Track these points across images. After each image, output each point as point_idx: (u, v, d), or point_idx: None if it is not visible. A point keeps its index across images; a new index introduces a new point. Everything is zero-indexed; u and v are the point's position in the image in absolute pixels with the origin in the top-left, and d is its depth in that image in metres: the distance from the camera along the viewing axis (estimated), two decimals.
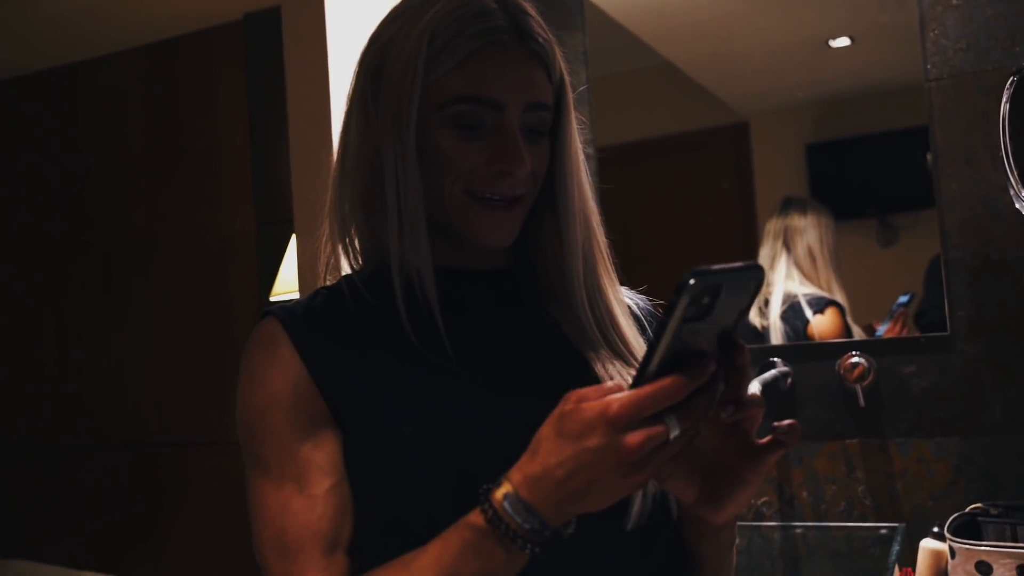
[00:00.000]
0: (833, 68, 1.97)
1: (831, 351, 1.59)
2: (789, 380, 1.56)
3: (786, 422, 0.64)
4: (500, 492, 0.60)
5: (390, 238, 0.76)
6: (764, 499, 1.58)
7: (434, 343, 0.76)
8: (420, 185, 0.76)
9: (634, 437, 0.56)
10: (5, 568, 2.40)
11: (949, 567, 1.34)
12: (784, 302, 1.74)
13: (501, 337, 0.80)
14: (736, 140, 2.13)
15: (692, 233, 1.99)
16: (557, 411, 0.60)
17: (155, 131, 2.53)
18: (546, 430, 0.60)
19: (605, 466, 0.57)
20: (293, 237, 1.93)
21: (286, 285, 2.02)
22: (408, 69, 0.75)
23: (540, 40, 0.77)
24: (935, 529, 1.40)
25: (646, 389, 0.56)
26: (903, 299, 1.69)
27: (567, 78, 0.82)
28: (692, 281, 0.53)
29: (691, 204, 2.02)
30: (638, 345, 0.82)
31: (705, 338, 0.58)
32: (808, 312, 1.72)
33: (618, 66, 2.04)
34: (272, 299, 2.05)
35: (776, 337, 1.76)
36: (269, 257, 2.26)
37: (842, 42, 1.90)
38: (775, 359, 1.61)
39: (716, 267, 0.54)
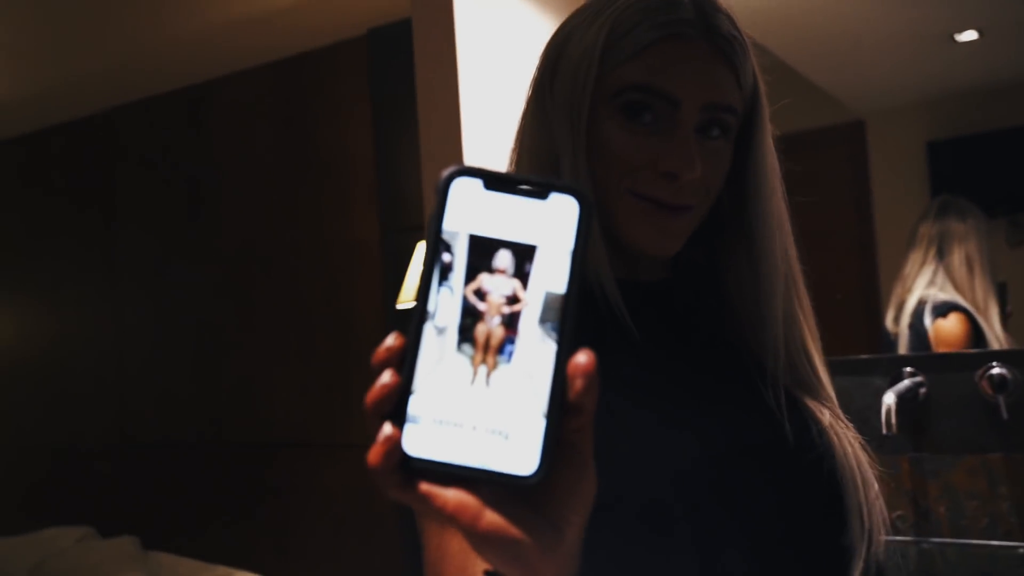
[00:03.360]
0: (959, 63, 1.86)
1: (969, 361, 1.48)
2: (923, 390, 1.47)
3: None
4: None
5: None
6: (898, 512, 1.49)
7: (624, 358, 0.69)
8: (590, 182, 0.70)
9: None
10: (147, 559, 2.50)
11: None
12: (916, 308, 1.65)
13: (687, 355, 0.74)
14: (851, 139, 2.03)
15: (806, 237, 1.91)
16: None
17: (282, 143, 2.58)
18: None
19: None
20: (420, 244, 1.94)
21: (411, 292, 2.03)
22: (584, 57, 0.70)
23: (729, 37, 0.70)
24: None
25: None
26: None
27: (762, 85, 0.74)
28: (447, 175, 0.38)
29: (804, 207, 1.94)
30: (828, 382, 0.76)
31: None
32: (928, 318, 1.63)
33: None
34: (398, 306, 2.07)
35: (903, 346, 1.67)
36: (393, 264, 2.28)
37: (969, 36, 1.79)
38: (908, 368, 1.52)
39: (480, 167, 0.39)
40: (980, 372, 1.43)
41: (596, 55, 0.69)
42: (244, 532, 2.56)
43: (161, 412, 2.79)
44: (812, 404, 0.73)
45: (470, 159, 1.50)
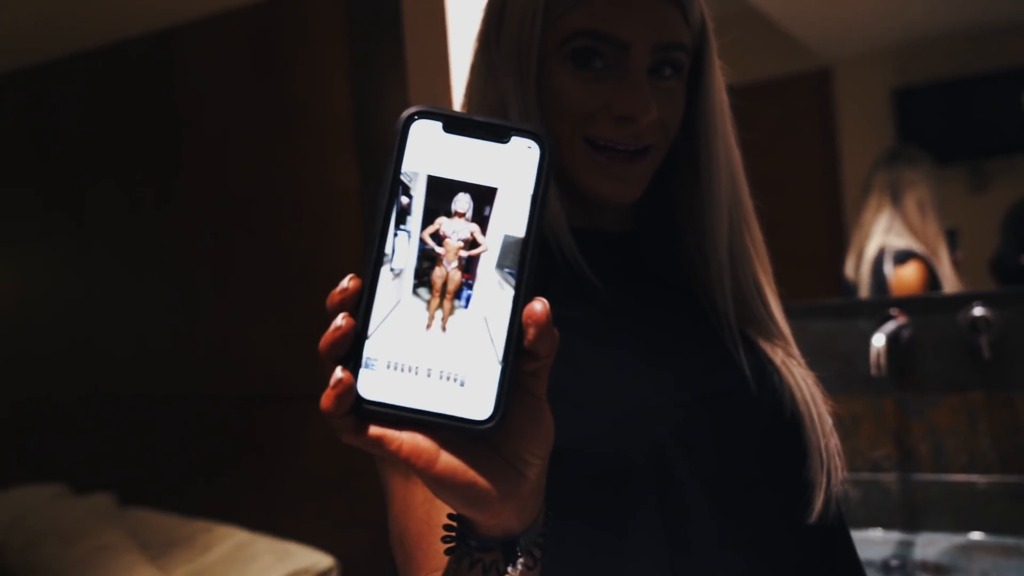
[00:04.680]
0: (928, 8, 1.85)
1: (952, 303, 1.50)
2: (907, 332, 1.48)
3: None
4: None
5: None
6: (882, 451, 1.51)
7: (584, 307, 0.68)
8: None
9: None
10: (124, 515, 2.41)
11: None
12: (875, 255, 1.67)
13: (648, 303, 0.73)
14: (819, 87, 2.02)
15: (773, 187, 1.90)
16: None
17: (257, 89, 2.47)
18: None
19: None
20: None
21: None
22: (529, 7, 0.68)
23: None
24: None
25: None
26: None
27: (710, 21, 0.73)
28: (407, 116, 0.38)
29: (771, 156, 1.93)
30: (781, 319, 0.76)
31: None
32: (888, 265, 1.65)
33: None
34: None
35: (863, 290, 1.69)
36: (373, 214, 2.19)
37: None
38: (892, 310, 1.53)
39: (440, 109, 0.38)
40: (962, 313, 1.45)
41: (540, 3, 0.68)
42: (225, 487, 2.49)
43: (136, 366, 2.70)
44: (764, 344, 0.73)
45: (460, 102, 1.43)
